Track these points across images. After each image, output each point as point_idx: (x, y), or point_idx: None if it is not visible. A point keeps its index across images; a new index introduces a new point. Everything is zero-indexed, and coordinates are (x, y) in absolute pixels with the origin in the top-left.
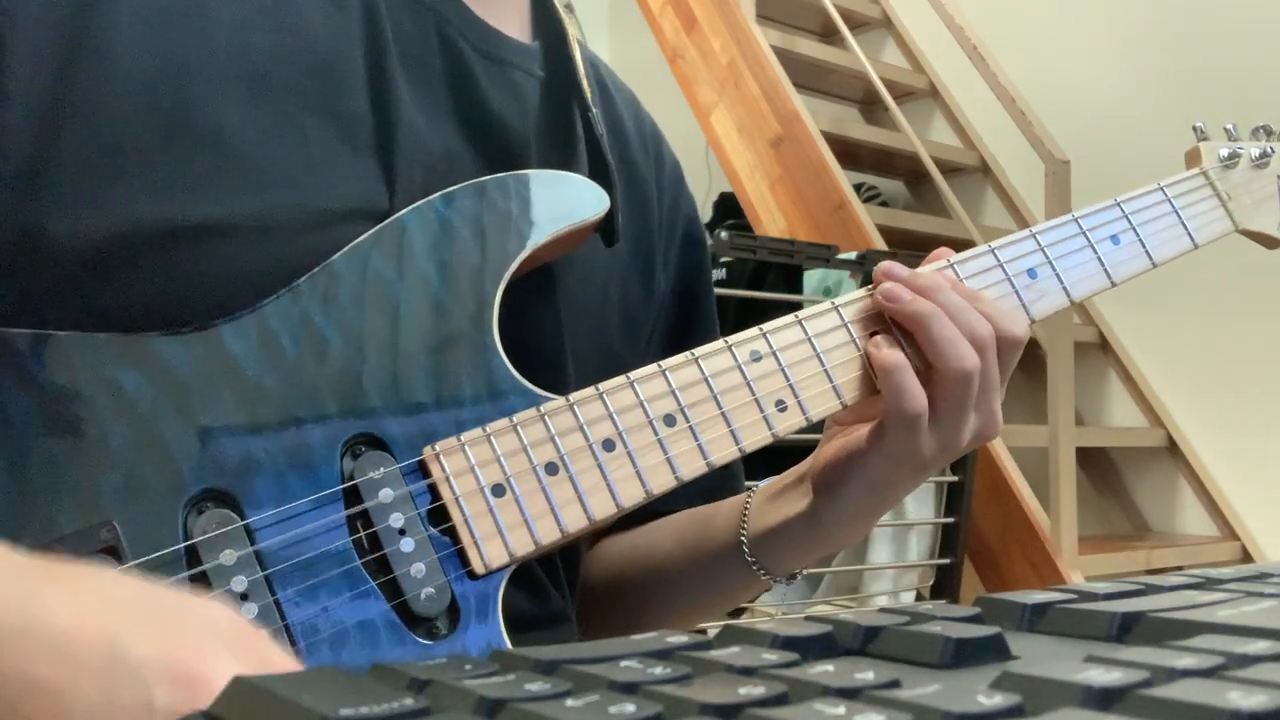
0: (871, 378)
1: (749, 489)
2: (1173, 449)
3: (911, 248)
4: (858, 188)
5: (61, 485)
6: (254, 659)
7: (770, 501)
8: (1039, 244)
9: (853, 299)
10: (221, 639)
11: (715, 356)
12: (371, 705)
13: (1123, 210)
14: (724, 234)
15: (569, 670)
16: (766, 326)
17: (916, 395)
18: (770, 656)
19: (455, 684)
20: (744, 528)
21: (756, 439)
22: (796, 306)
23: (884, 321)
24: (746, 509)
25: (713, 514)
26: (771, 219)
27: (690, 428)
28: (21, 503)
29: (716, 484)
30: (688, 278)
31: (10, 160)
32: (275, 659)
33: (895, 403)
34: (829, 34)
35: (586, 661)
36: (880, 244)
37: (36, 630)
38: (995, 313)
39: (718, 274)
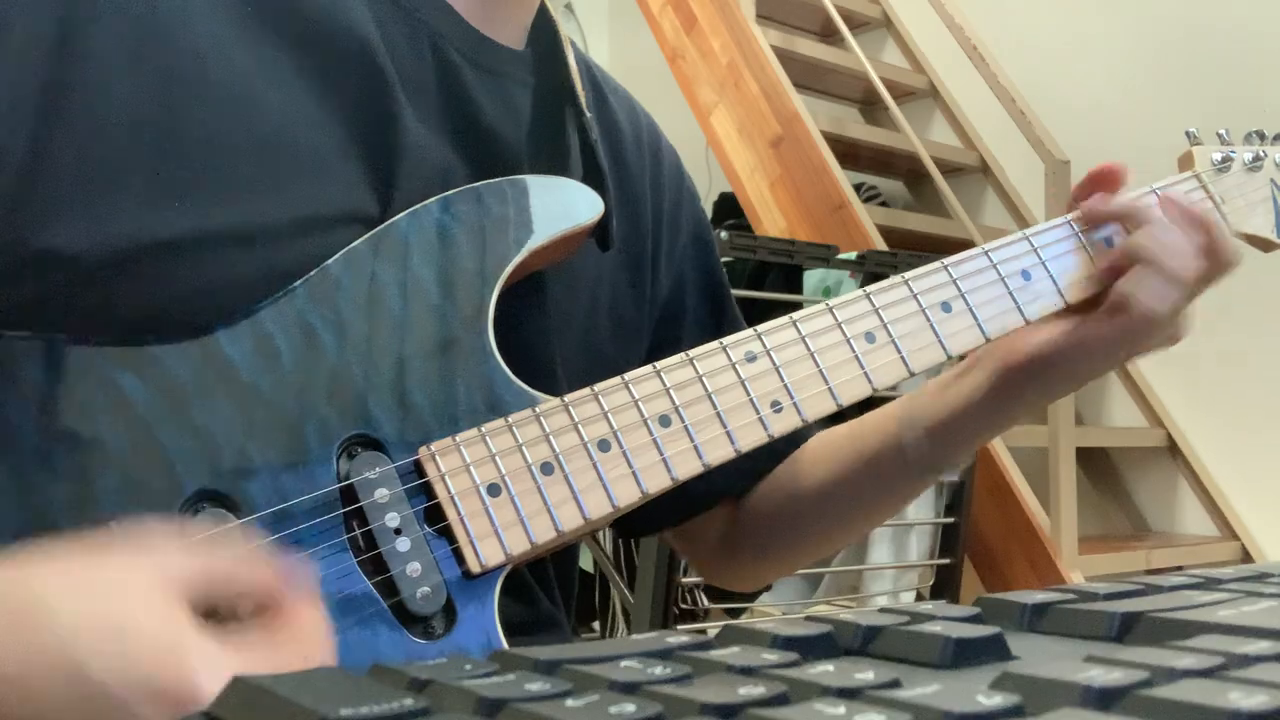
0: (1094, 280)
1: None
2: (1173, 449)
3: (911, 248)
4: (858, 188)
5: (59, 488)
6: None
7: (939, 398)
8: (1032, 245)
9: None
10: (180, 642)
11: (710, 357)
12: (371, 705)
13: None
14: (724, 234)
15: (569, 670)
16: (762, 327)
17: (1181, 248)
18: (770, 656)
19: (455, 684)
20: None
21: (752, 440)
22: (796, 306)
23: None
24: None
25: (860, 428)
26: (771, 219)
27: (685, 428)
28: (20, 506)
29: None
30: (706, 275)
31: (1, 174)
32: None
33: (1171, 260)
34: (829, 34)
35: (586, 661)
36: (880, 244)
37: None
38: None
39: None
